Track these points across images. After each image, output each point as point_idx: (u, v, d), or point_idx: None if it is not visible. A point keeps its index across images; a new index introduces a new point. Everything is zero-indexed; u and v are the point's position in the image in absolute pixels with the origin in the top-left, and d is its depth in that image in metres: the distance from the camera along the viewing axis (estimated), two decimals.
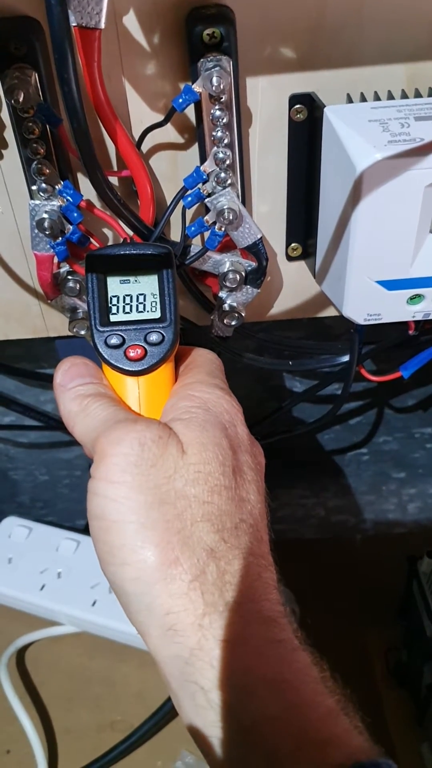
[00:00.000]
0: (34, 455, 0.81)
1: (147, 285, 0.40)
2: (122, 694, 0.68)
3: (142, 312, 0.39)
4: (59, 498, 0.85)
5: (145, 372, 0.38)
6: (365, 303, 0.46)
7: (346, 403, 0.76)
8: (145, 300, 0.40)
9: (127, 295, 0.39)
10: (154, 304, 0.39)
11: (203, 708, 0.31)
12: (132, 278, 0.40)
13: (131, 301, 0.40)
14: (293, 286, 0.53)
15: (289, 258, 0.52)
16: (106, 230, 0.49)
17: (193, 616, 0.31)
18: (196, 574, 0.31)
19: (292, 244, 0.51)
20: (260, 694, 0.30)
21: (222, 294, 0.50)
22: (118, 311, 0.39)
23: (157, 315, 0.39)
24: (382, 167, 0.39)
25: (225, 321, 0.51)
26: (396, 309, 0.46)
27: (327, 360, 0.56)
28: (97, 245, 0.47)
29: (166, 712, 0.64)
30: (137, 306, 0.40)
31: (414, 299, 0.45)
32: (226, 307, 0.50)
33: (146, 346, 0.38)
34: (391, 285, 0.45)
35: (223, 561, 0.32)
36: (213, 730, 0.30)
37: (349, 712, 0.31)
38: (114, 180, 0.46)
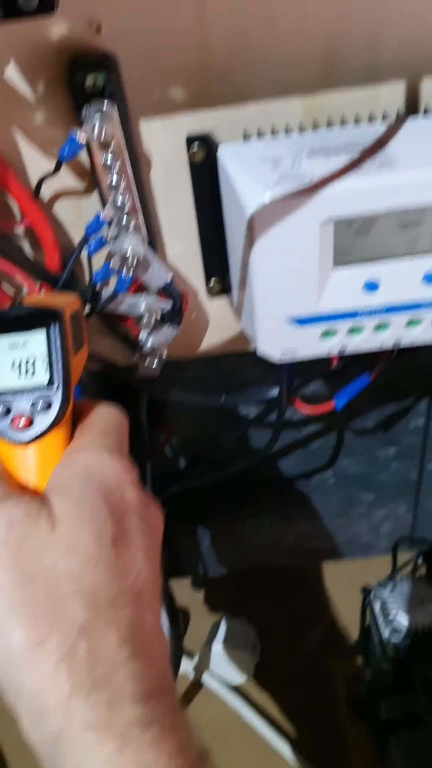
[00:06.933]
0: None
1: (35, 346, 0.38)
2: None
3: (29, 378, 0.38)
4: None
5: (31, 441, 0.36)
6: (278, 339, 0.45)
7: (306, 426, 0.75)
8: (34, 364, 0.38)
9: (13, 361, 0.38)
10: (43, 367, 0.38)
11: None
12: (21, 341, 0.38)
13: (19, 366, 0.38)
14: (219, 322, 0.53)
15: (211, 293, 0.51)
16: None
17: (59, 697, 0.29)
18: (64, 653, 0.30)
19: (212, 280, 0.50)
20: None
21: (142, 335, 0.49)
22: (3, 378, 0.38)
23: (45, 379, 0.37)
24: (273, 208, 0.38)
25: (147, 361, 0.50)
26: (310, 344, 0.45)
27: (257, 393, 0.55)
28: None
29: None
30: (25, 371, 0.38)
31: (327, 334, 0.44)
32: (147, 348, 0.49)
33: (33, 414, 0.37)
34: (301, 321, 0.44)
35: (96, 637, 0.31)
36: None
37: None
38: (20, 229, 0.46)
